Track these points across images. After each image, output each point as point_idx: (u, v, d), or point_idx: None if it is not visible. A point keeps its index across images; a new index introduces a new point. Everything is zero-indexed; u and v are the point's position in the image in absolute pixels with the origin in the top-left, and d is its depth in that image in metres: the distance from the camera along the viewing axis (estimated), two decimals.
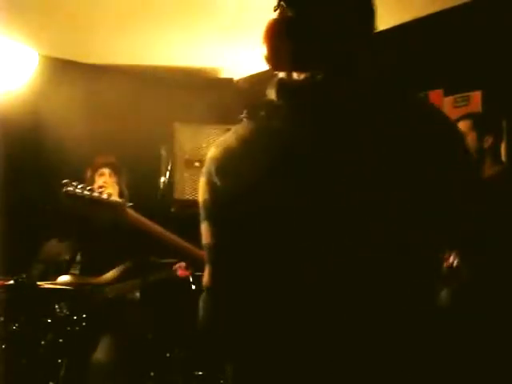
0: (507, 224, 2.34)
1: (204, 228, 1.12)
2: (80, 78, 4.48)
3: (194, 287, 3.09)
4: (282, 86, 1.13)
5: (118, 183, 3.40)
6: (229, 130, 1.15)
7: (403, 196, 1.10)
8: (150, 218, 2.44)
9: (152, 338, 3.18)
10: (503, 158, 2.83)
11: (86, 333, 2.96)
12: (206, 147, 3.69)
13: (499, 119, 2.78)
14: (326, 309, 1.09)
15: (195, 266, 2.57)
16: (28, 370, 2.94)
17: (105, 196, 2.40)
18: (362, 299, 1.09)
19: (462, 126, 2.62)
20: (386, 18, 4.16)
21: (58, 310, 2.98)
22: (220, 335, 1.15)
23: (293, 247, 1.07)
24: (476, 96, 3.45)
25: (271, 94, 1.13)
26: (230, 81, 5.09)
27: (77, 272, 3.21)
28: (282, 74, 1.16)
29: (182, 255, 2.56)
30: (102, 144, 3.97)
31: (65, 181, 2.47)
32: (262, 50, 1.17)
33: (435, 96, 3.68)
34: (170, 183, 3.61)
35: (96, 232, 3.21)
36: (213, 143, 1.15)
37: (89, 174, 3.39)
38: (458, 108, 3.49)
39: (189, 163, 3.73)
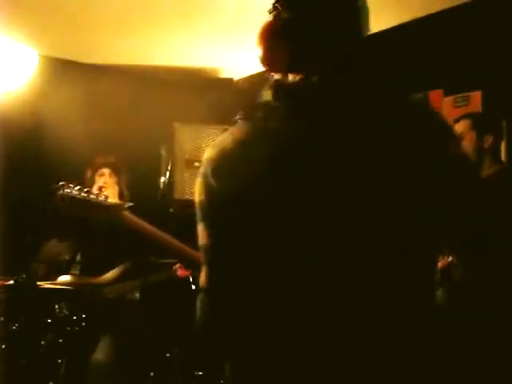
0: (507, 224, 2.34)
1: (200, 229, 1.12)
2: (80, 78, 4.48)
3: (193, 287, 3.09)
4: (278, 87, 1.14)
5: (118, 183, 3.40)
6: (227, 130, 1.15)
7: (403, 196, 1.11)
8: (150, 217, 2.44)
9: (152, 338, 3.18)
10: (503, 157, 2.83)
11: (85, 333, 2.95)
12: (205, 147, 3.69)
13: (499, 119, 2.78)
14: (325, 308, 1.09)
15: (191, 267, 2.58)
16: (28, 370, 2.94)
17: (101, 198, 2.41)
18: (362, 299, 1.09)
19: (462, 125, 2.62)
20: (386, 18, 4.19)
21: (57, 311, 2.98)
22: (217, 335, 1.15)
23: (291, 248, 1.07)
24: (476, 96, 3.45)
25: (267, 95, 1.13)
26: (229, 81, 5.09)
27: (77, 272, 3.21)
28: (277, 76, 1.16)
29: (178, 257, 2.57)
30: (102, 144, 3.97)
31: (61, 183, 2.46)
32: (258, 51, 1.18)
33: (435, 96, 3.68)
34: (170, 183, 3.61)
35: (96, 232, 3.21)
36: (213, 143, 1.15)
37: (89, 174, 3.39)
38: (458, 108, 3.49)
39: (189, 163, 3.73)
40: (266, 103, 1.13)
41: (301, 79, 1.14)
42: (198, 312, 1.13)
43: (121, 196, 3.38)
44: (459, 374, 2.21)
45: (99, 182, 3.31)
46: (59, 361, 2.91)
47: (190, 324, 1.16)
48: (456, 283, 2.44)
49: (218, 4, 3.65)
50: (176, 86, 4.83)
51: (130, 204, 3.31)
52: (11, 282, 2.97)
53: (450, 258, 2.36)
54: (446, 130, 1.19)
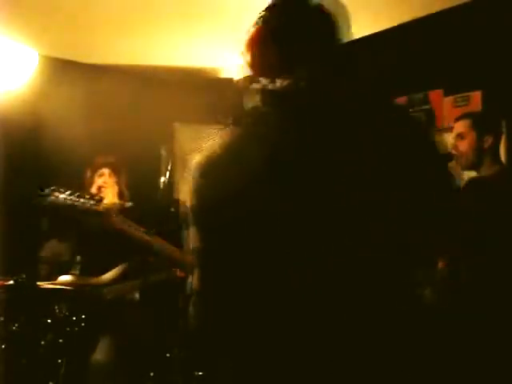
0: (507, 223, 2.34)
1: (192, 232, 1.13)
2: (80, 78, 4.48)
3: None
4: (267, 92, 1.15)
5: (118, 183, 3.40)
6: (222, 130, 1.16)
7: (403, 196, 1.11)
8: (150, 217, 2.45)
9: (152, 338, 3.18)
10: (503, 157, 2.83)
11: (85, 333, 2.95)
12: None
13: (499, 119, 2.78)
14: (324, 308, 1.09)
15: (181, 268, 2.64)
16: (28, 370, 2.94)
17: (91, 203, 2.46)
18: (362, 299, 1.09)
19: (462, 125, 2.61)
20: (386, 18, 4.19)
21: (57, 311, 2.98)
22: (210, 337, 1.16)
23: (289, 248, 1.08)
24: (476, 96, 3.45)
25: (255, 100, 1.15)
26: (229, 81, 5.08)
27: (77, 272, 3.21)
28: (265, 81, 1.17)
29: (169, 260, 2.65)
30: (102, 144, 3.97)
31: (52, 187, 2.49)
32: (246, 57, 1.21)
33: (435, 96, 3.68)
34: (170, 183, 3.61)
35: (96, 232, 3.21)
36: (203, 148, 1.16)
37: (88, 174, 3.39)
38: (458, 108, 3.49)
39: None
40: (255, 108, 1.14)
41: (289, 84, 1.15)
42: (191, 314, 1.14)
43: (120, 196, 3.38)
44: (462, 374, 2.22)
45: (99, 181, 3.31)
46: (59, 361, 2.91)
47: (188, 324, 1.17)
48: (457, 283, 2.44)
49: (218, 4, 3.65)
50: (176, 85, 4.83)
51: (130, 204, 3.32)
52: (11, 282, 2.97)
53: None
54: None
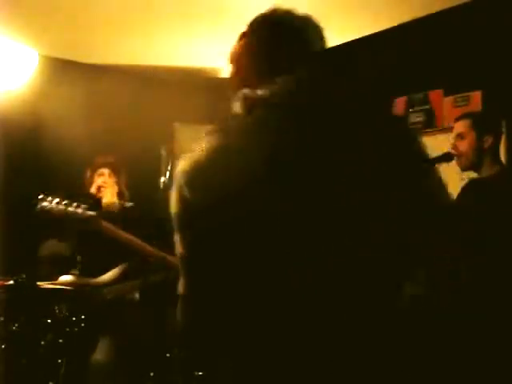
0: (507, 223, 2.34)
1: (177, 239, 1.15)
2: (80, 78, 4.49)
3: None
4: (248, 100, 1.18)
5: (118, 183, 3.40)
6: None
7: (403, 196, 1.11)
8: (150, 217, 2.46)
9: (152, 338, 3.18)
10: (503, 157, 2.83)
11: (85, 333, 2.95)
12: None
13: (499, 119, 2.78)
14: (323, 309, 1.09)
15: (166, 269, 2.74)
16: (28, 369, 2.94)
17: (79, 210, 2.56)
18: (362, 299, 1.10)
19: (462, 125, 2.61)
20: (386, 18, 4.18)
21: (57, 311, 2.98)
22: (196, 340, 1.19)
23: (277, 252, 1.08)
24: (476, 96, 3.45)
25: (237, 107, 1.17)
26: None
27: (77, 272, 3.21)
28: (246, 90, 1.20)
29: (156, 262, 2.73)
30: (102, 144, 3.98)
31: (41, 196, 2.59)
32: (232, 67, 1.27)
33: (435, 96, 3.68)
34: (170, 183, 3.61)
35: (96, 232, 3.21)
36: (186, 155, 1.19)
37: (88, 174, 3.38)
38: (458, 108, 3.49)
39: None
40: (237, 116, 1.17)
41: (270, 93, 1.17)
42: (178, 318, 1.16)
43: (120, 196, 3.38)
44: (462, 374, 2.22)
45: (98, 181, 3.31)
46: (59, 361, 2.91)
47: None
48: (458, 283, 2.44)
49: (218, 4, 3.65)
50: (176, 85, 4.83)
51: (130, 204, 3.32)
52: (11, 282, 2.97)
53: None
54: None
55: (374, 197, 1.09)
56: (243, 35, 1.28)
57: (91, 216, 2.66)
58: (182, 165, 1.15)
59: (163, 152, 3.60)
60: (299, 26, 1.25)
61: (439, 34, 3.66)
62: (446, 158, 2.66)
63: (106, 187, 3.27)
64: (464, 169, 2.66)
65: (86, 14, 3.83)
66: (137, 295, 3.20)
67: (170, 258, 2.61)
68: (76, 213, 2.57)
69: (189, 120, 4.30)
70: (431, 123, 3.70)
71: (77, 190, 3.41)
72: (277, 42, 1.23)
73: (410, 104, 3.81)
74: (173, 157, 3.67)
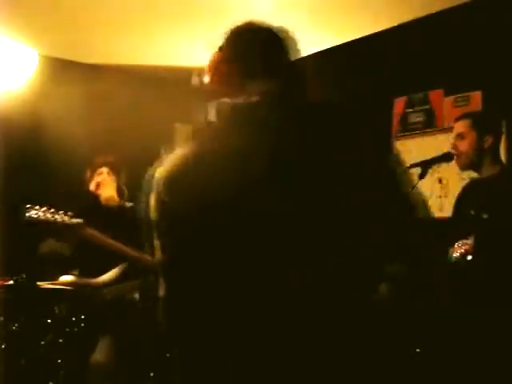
0: (507, 224, 2.34)
1: (156, 243, 1.18)
2: (80, 78, 4.48)
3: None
4: (222, 109, 1.23)
5: (117, 182, 3.40)
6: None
7: (353, 201, 1.16)
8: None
9: (152, 338, 3.18)
10: (503, 157, 2.83)
11: (85, 333, 2.95)
12: None
13: (499, 119, 2.78)
14: (283, 309, 1.13)
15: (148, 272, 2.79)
16: (28, 369, 2.94)
17: (65, 218, 2.69)
18: (360, 297, 1.13)
19: (462, 125, 2.61)
20: (386, 18, 4.18)
21: (57, 311, 2.98)
22: (175, 339, 1.24)
23: (264, 252, 1.13)
24: (476, 96, 3.45)
25: (211, 116, 1.22)
26: None
27: (76, 272, 3.20)
28: (221, 99, 1.25)
29: (139, 266, 2.84)
30: (102, 144, 3.97)
31: (27, 206, 2.73)
32: (209, 77, 1.33)
33: (435, 96, 3.68)
34: None
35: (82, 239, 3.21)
36: (163, 162, 1.23)
37: (88, 174, 3.38)
38: (458, 108, 3.49)
39: None
40: (211, 124, 1.22)
41: (241, 101, 1.23)
42: (160, 318, 1.23)
43: (120, 194, 3.38)
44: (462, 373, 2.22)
45: (97, 179, 3.32)
46: (59, 361, 2.91)
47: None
48: (458, 283, 2.45)
49: (218, 4, 3.65)
50: (176, 85, 4.83)
51: (130, 204, 3.31)
52: (11, 282, 2.97)
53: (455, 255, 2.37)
54: None
55: (373, 197, 1.11)
56: (221, 46, 1.35)
57: (77, 223, 2.77)
58: (160, 171, 1.19)
59: (163, 152, 3.61)
60: (273, 38, 1.31)
61: (439, 34, 3.66)
62: (446, 157, 2.66)
63: (105, 184, 3.28)
64: (463, 168, 2.66)
65: (86, 13, 3.83)
66: (137, 295, 3.20)
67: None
68: (62, 221, 2.69)
69: (189, 120, 4.30)
70: (431, 123, 3.70)
71: (77, 190, 3.41)
72: (252, 52, 1.29)
73: (409, 104, 3.81)
74: None
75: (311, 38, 4.16)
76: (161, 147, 3.61)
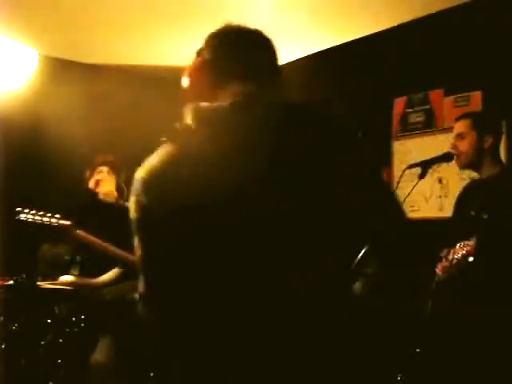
0: (508, 224, 2.34)
1: (135, 242, 1.23)
2: (80, 78, 4.48)
3: None
4: (198, 113, 1.25)
5: (117, 181, 3.40)
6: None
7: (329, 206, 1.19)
8: None
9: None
10: (503, 157, 2.83)
11: (85, 333, 2.95)
12: None
13: (499, 119, 2.78)
14: (256, 309, 1.15)
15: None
16: (28, 369, 2.94)
17: (53, 220, 2.75)
18: (295, 306, 1.15)
19: (462, 125, 2.61)
20: (386, 18, 4.18)
21: (57, 311, 2.98)
22: (155, 336, 1.27)
23: (220, 256, 1.16)
24: (476, 96, 3.45)
25: (188, 119, 1.24)
26: None
27: (76, 272, 3.20)
28: (197, 103, 1.27)
29: (128, 266, 2.90)
30: (102, 144, 3.97)
31: (18, 209, 2.82)
32: (187, 81, 1.37)
33: (435, 96, 3.68)
34: None
35: (95, 233, 3.21)
36: (143, 163, 1.26)
37: (88, 173, 3.39)
38: (458, 108, 3.49)
39: None
40: (187, 127, 1.24)
41: (216, 105, 1.26)
42: (140, 315, 1.26)
43: (120, 193, 3.38)
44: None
45: (96, 177, 3.32)
46: (59, 361, 2.91)
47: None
48: (459, 283, 2.45)
49: (218, 4, 3.65)
50: (176, 85, 4.82)
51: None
52: (11, 282, 2.97)
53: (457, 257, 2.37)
54: None
55: (298, 209, 1.16)
56: (199, 51, 1.37)
57: (64, 225, 2.83)
58: (139, 173, 1.23)
59: None
60: (251, 40, 1.33)
61: (439, 34, 3.66)
62: (446, 158, 2.66)
63: (105, 182, 3.28)
64: (462, 167, 2.66)
65: (86, 13, 3.83)
66: (136, 295, 3.19)
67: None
68: (50, 223, 2.76)
69: None
70: (431, 123, 3.70)
71: (76, 189, 3.42)
72: (230, 55, 1.31)
73: (410, 104, 3.81)
74: None
75: (311, 37, 4.16)
76: None
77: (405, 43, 3.81)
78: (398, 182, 2.70)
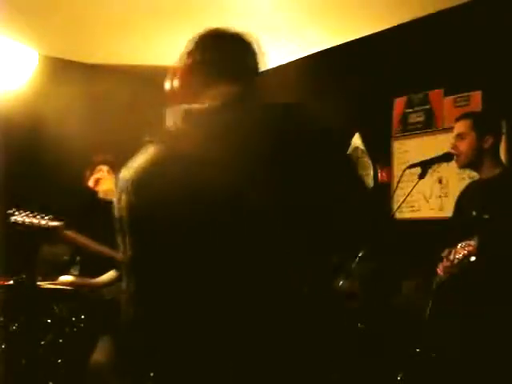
0: (508, 224, 2.34)
1: (120, 241, 1.23)
2: (80, 78, 4.48)
3: None
4: (187, 114, 1.27)
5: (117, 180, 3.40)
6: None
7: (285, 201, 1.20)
8: None
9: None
10: (503, 158, 2.83)
11: (85, 333, 2.95)
12: None
13: (499, 119, 2.78)
14: (230, 306, 1.16)
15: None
16: (28, 369, 2.94)
17: (44, 222, 2.82)
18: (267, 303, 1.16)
19: (462, 125, 2.61)
20: (386, 18, 4.18)
21: (57, 311, 2.98)
22: (137, 334, 1.28)
23: (197, 255, 1.17)
24: (476, 96, 3.45)
25: (177, 120, 1.26)
26: None
27: (76, 273, 3.21)
28: (185, 105, 1.29)
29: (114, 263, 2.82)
30: (102, 144, 3.97)
31: (10, 211, 2.89)
32: (173, 84, 1.39)
33: (435, 96, 3.68)
34: None
35: (95, 233, 3.21)
36: (129, 163, 1.28)
37: (88, 173, 3.39)
38: (458, 108, 3.49)
39: None
40: (176, 127, 1.26)
41: (204, 106, 1.28)
42: (122, 312, 1.26)
43: None
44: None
45: (96, 175, 3.33)
46: (59, 361, 2.91)
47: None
48: (459, 283, 2.45)
49: (218, 4, 3.65)
50: None
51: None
52: (11, 282, 2.97)
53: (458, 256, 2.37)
54: None
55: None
56: (188, 53, 1.40)
57: (54, 226, 2.89)
58: (126, 173, 1.24)
59: None
60: (238, 43, 1.36)
61: (439, 34, 3.66)
62: (446, 157, 2.65)
63: (105, 180, 3.29)
64: (462, 167, 2.65)
65: (86, 13, 3.83)
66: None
67: None
68: (39, 223, 2.83)
69: None
70: (431, 123, 3.70)
71: (76, 189, 3.41)
72: (220, 57, 1.34)
73: (409, 104, 3.81)
74: None
75: (311, 37, 4.16)
76: None
77: (405, 43, 3.81)
78: (398, 182, 2.70)
